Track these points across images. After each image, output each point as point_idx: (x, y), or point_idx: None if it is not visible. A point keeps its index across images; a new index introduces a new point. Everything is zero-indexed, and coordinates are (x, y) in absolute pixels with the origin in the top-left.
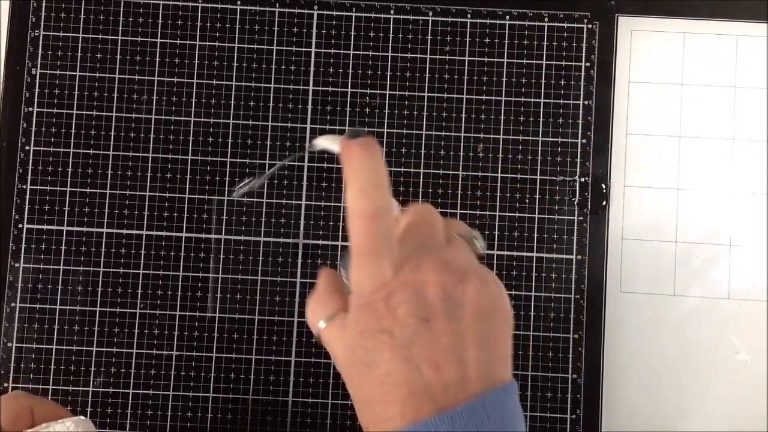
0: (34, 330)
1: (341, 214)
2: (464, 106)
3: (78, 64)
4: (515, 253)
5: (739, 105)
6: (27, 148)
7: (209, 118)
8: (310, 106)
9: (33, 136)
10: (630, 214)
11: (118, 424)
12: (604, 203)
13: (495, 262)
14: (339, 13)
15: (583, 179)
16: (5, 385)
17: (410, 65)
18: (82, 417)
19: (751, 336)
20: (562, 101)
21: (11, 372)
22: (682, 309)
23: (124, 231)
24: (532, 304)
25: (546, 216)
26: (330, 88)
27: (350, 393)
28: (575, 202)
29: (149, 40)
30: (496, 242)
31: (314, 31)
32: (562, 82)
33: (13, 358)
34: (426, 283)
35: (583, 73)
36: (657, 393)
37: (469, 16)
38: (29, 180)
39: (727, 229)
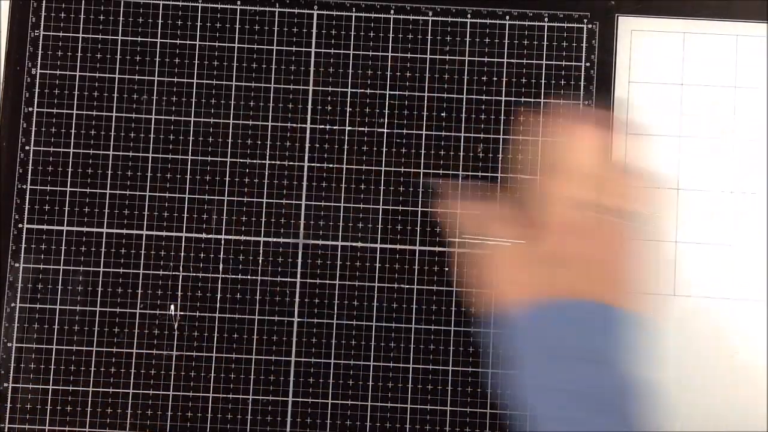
0: (34, 330)
1: (341, 214)
2: (464, 106)
3: (78, 64)
4: None
5: (739, 105)
6: (27, 148)
7: (209, 118)
8: (310, 106)
9: (33, 136)
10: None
11: (118, 424)
12: None
13: None
14: (339, 13)
15: None
16: (5, 385)
17: (410, 65)
18: None
19: (751, 336)
20: (562, 101)
21: (11, 372)
22: (682, 309)
23: (124, 231)
24: None
25: None
26: (330, 88)
27: None
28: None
29: (149, 40)
30: None
31: (314, 31)
32: (562, 82)
33: (13, 358)
34: None
35: (583, 73)
36: (656, 393)
37: (469, 16)
38: (29, 180)
39: (727, 229)
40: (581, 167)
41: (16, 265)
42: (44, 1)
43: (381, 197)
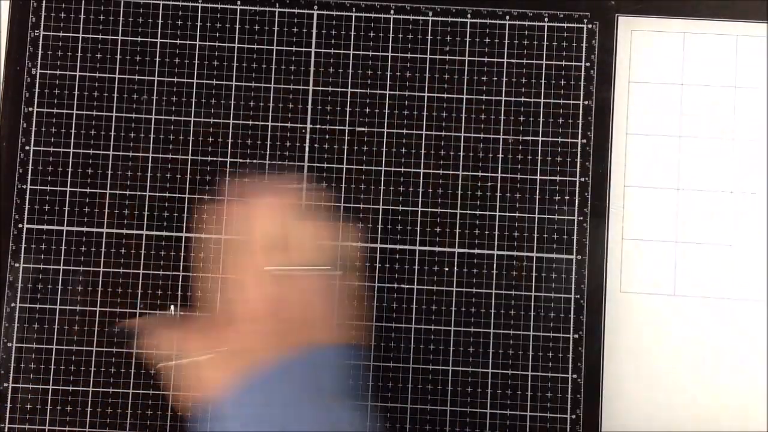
0: (34, 330)
1: (341, 215)
2: (464, 106)
3: (78, 64)
4: (515, 253)
5: (739, 105)
6: (27, 148)
7: (209, 118)
8: (310, 106)
9: (33, 136)
10: (630, 214)
11: (118, 424)
12: (604, 203)
13: (495, 262)
14: (339, 13)
15: (583, 179)
16: (5, 385)
17: (410, 65)
18: None
19: (751, 336)
20: (562, 101)
21: (11, 372)
22: (682, 309)
23: (124, 231)
24: (532, 304)
25: (546, 216)
26: (330, 88)
27: None
28: (575, 202)
29: (149, 40)
30: (496, 242)
31: (314, 31)
32: (562, 82)
33: (13, 358)
34: None
35: (583, 73)
36: (657, 393)
37: (469, 16)
38: (29, 180)
39: (727, 229)
40: (264, 232)
41: (16, 265)
42: (44, 1)
43: (381, 197)
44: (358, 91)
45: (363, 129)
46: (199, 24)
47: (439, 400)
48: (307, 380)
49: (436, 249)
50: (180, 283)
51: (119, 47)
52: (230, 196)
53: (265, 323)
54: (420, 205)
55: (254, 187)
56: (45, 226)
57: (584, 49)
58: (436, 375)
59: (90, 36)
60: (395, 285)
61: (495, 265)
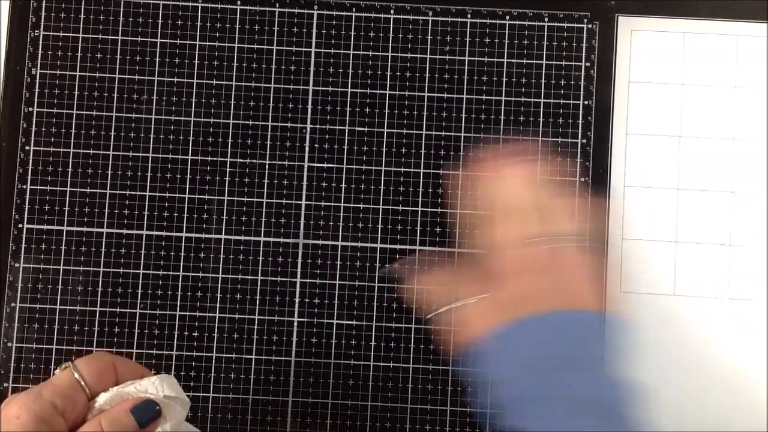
0: (34, 330)
1: (341, 214)
2: (464, 106)
3: (78, 64)
4: None
5: (739, 105)
6: (27, 148)
7: (209, 118)
8: (310, 106)
9: (33, 136)
10: (630, 214)
11: None
12: (604, 203)
13: None
14: (339, 13)
15: (583, 179)
16: (5, 385)
17: (410, 65)
18: (166, 374)
19: (751, 336)
20: (562, 101)
21: (11, 372)
22: (682, 309)
23: (124, 231)
24: None
25: None
26: (330, 88)
27: None
28: (575, 202)
29: (149, 40)
30: None
31: (314, 31)
32: (562, 82)
33: (13, 358)
34: None
35: (583, 73)
36: (657, 393)
37: (469, 16)
38: (29, 180)
39: (727, 229)
40: (518, 204)
41: (16, 265)
42: (44, 1)
43: (381, 197)
44: (358, 91)
45: (363, 129)
46: (199, 24)
47: (439, 400)
48: (556, 343)
49: (436, 249)
50: (180, 283)
51: (119, 47)
52: (474, 171)
53: (521, 285)
54: (420, 205)
55: (495, 161)
56: (45, 226)
57: (584, 49)
58: (436, 375)
59: (90, 36)
60: (395, 285)
61: None
